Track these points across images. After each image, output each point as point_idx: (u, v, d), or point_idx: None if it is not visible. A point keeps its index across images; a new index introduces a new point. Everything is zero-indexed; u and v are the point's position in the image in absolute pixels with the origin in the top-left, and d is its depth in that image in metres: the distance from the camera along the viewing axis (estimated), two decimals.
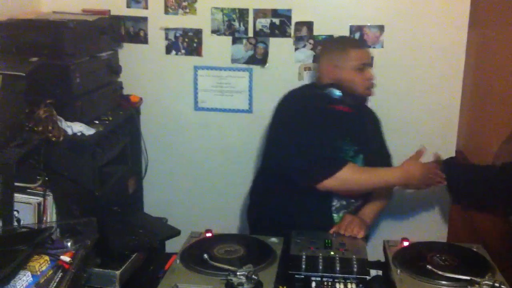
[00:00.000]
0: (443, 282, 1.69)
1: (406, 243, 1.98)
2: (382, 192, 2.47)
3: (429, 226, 2.95)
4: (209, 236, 2.05)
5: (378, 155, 2.49)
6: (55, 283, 1.57)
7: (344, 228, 2.12)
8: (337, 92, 2.35)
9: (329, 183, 2.21)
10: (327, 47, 2.50)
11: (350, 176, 2.23)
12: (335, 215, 2.34)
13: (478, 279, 1.65)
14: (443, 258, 1.83)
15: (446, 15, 2.73)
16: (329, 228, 2.19)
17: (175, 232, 2.31)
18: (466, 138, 4.57)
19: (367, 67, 2.39)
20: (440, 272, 1.71)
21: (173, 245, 2.27)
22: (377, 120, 2.60)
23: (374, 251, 2.09)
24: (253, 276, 1.66)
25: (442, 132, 2.86)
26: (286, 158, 2.30)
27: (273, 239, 2.02)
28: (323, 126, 2.29)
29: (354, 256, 1.89)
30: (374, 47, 2.80)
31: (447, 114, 2.85)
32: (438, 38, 2.77)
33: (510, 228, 2.32)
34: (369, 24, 2.79)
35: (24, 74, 2.02)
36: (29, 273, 1.55)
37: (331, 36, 2.79)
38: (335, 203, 2.34)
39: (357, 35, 2.79)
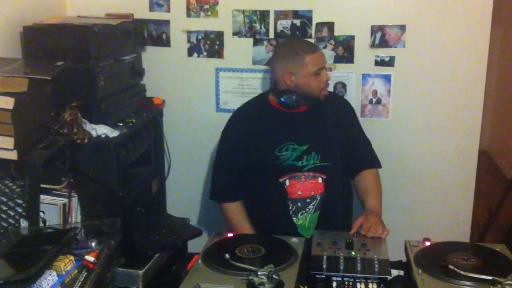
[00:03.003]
0: (465, 282, 1.68)
1: (427, 243, 1.97)
2: (374, 180, 2.49)
3: (451, 226, 2.93)
4: (230, 236, 2.07)
5: (355, 149, 2.52)
6: (80, 283, 1.60)
7: (367, 229, 2.12)
8: (289, 100, 2.40)
9: (221, 209, 2.52)
10: (281, 52, 2.47)
11: (226, 214, 2.50)
12: (294, 218, 2.40)
13: (500, 279, 1.64)
14: (465, 258, 1.82)
15: (469, 14, 2.71)
16: (293, 232, 2.26)
17: (197, 232, 2.34)
18: (490, 138, 4.52)
19: (322, 69, 2.40)
20: (462, 272, 1.71)
21: (195, 245, 2.30)
22: (345, 110, 2.59)
23: (396, 251, 2.08)
24: (274, 276, 1.67)
25: (465, 132, 2.83)
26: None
27: (294, 239, 2.04)
28: (245, 138, 2.43)
29: (375, 256, 1.88)
30: (396, 47, 2.79)
31: (470, 114, 2.82)
32: (461, 37, 2.74)
33: None
34: (390, 24, 2.78)
35: (49, 78, 2.06)
36: (54, 273, 1.58)
37: (286, 39, 2.79)
38: (291, 207, 2.40)
39: (378, 35, 2.79)
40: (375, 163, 2.55)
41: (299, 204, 2.40)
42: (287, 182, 2.40)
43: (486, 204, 3.64)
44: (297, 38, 2.80)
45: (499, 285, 1.63)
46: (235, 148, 2.47)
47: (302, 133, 2.43)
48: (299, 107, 2.42)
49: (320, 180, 2.41)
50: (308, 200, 2.40)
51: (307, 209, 2.40)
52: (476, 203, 2.94)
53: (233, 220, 2.47)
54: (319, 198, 2.41)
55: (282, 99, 2.41)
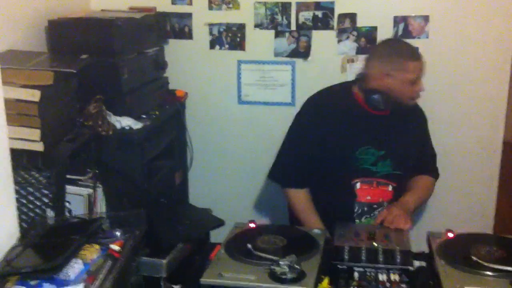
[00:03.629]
0: (488, 273, 1.66)
1: (450, 235, 1.96)
2: (424, 184, 2.44)
3: (474, 218, 2.90)
4: (252, 227, 2.08)
5: (420, 157, 2.46)
6: (105, 271, 1.62)
7: (390, 221, 2.11)
8: (379, 102, 2.32)
9: (285, 193, 2.47)
10: (383, 52, 2.38)
11: (291, 200, 2.45)
12: (357, 221, 2.36)
13: None
14: (489, 249, 1.79)
15: (493, 3, 2.67)
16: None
17: (220, 223, 2.34)
18: None
19: (419, 79, 2.31)
20: (485, 264, 1.69)
21: (218, 235, 2.31)
22: (420, 118, 2.53)
23: (418, 243, 2.08)
24: (296, 266, 1.68)
25: (489, 123, 2.80)
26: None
27: (316, 231, 2.04)
28: (321, 134, 2.35)
29: (397, 248, 1.87)
30: (419, 38, 2.77)
31: (494, 105, 2.78)
32: (485, 27, 2.71)
33: None
34: (413, 15, 2.75)
35: (75, 71, 2.10)
36: (80, 261, 1.60)
37: (392, 39, 2.68)
38: (357, 209, 2.36)
39: (401, 26, 2.76)
40: (432, 172, 2.49)
41: (365, 208, 2.36)
42: (358, 185, 2.35)
43: (510, 195, 3.60)
44: (403, 40, 2.60)
45: None
46: (310, 136, 2.39)
47: (381, 137, 2.36)
48: (384, 110, 2.35)
49: (390, 188, 2.36)
50: (375, 206, 2.36)
51: (372, 214, 2.36)
52: (500, 195, 2.91)
53: (299, 208, 2.42)
54: (386, 205, 2.35)
55: (373, 97, 2.32)
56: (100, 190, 2.14)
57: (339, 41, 2.84)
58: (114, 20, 2.42)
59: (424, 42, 2.77)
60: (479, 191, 2.89)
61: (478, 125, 2.81)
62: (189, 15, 2.95)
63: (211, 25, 2.95)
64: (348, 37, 2.82)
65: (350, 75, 2.84)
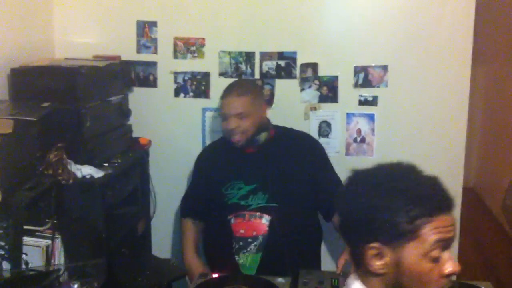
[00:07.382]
0: None
1: None
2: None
3: None
4: (215, 278, 2.05)
5: (325, 193, 2.46)
6: None
7: None
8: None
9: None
10: None
11: (181, 229, 2.67)
12: (236, 257, 2.40)
13: None
14: None
15: (449, 53, 2.77)
16: (235, 271, 2.33)
17: (182, 273, 2.32)
18: (476, 176, 4.54)
19: (229, 116, 2.45)
20: None
21: (180, 287, 2.28)
22: (304, 148, 2.58)
23: None
24: None
25: (448, 169, 2.85)
26: None
27: (280, 279, 2.03)
28: (203, 174, 2.62)
29: None
30: (378, 87, 2.84)
31: (453, 152, 2.84)
32: (442, 76, 2.79)
33: None
34: (373, 65, 2.83)
35: (35, 119, 2.08)
36: None
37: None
38: (234, 245, 2.41)
39: (361, 75, 2.84)
40: None
41: (241, 243, 2.40)
42: (233, 220, 2.42)
43: (473, 241, 3.64)
44: (238, 79, 2.86)
45: None
46: (197, 179, 2.66)
47: (251, 172, 2.46)
48: (244, 147, 2.48)
49: (264, 220, 2.39)
50: (250, 240, 2.39)
51: (248, 249, 2.39)
52: (462, 240, 2.94)
53: (183, 239, 2.62)
54: (261, 239, 2.39)
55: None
56: (58, 241, 2.09)
57: (302, 89, 2.89)
58: (77, 68, 2.42)
59: (383, 90, 2.85)
60: None
61: (438, 172, 2.77)
62: (154, 64, 2.98)
63: (176, 73, 2.97)
64: (310, 86, 2.88)
65: (313, 123, 2.89)
